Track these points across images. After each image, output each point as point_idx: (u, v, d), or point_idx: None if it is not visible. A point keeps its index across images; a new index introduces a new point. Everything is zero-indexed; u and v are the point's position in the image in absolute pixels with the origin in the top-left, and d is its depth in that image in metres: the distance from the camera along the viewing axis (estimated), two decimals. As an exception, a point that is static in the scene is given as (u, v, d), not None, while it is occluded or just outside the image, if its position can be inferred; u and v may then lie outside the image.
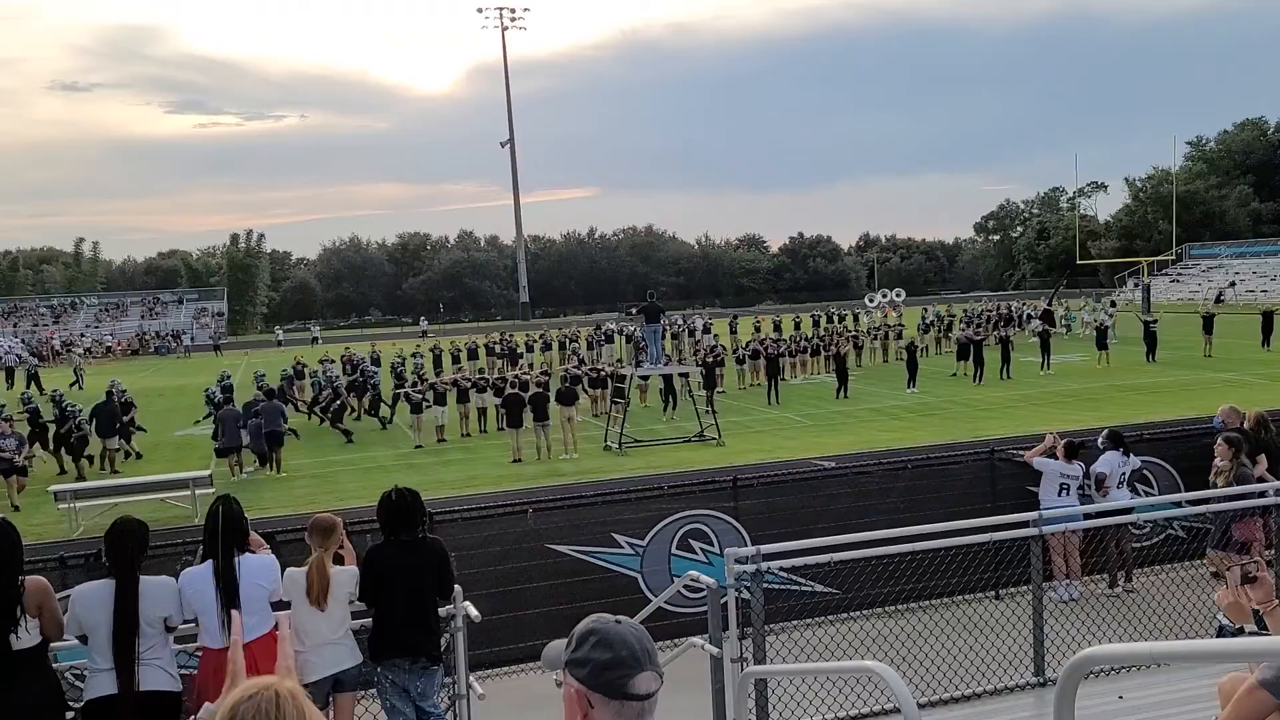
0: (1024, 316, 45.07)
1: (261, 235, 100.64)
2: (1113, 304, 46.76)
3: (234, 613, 3.53)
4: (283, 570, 5.53)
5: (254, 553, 5.45)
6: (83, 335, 72.55)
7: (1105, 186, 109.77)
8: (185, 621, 5.26)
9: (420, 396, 24.32)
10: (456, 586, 5.88)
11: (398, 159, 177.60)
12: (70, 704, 5.09)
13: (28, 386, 35.93)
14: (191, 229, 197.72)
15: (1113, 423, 20.74)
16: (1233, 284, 66.22)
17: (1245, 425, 10.28)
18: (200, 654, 5.39)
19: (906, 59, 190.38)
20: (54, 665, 5.12)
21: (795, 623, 8.87)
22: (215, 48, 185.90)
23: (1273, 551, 7.90)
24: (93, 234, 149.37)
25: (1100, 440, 10.03)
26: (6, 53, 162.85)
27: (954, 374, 31.73)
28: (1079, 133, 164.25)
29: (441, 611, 5.84)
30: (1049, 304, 48.56)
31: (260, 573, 5.36)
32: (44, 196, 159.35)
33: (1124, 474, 9.78)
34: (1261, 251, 76.45)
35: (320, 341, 65.47)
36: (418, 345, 39.32)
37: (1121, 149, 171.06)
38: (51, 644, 4.94)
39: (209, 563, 5.27)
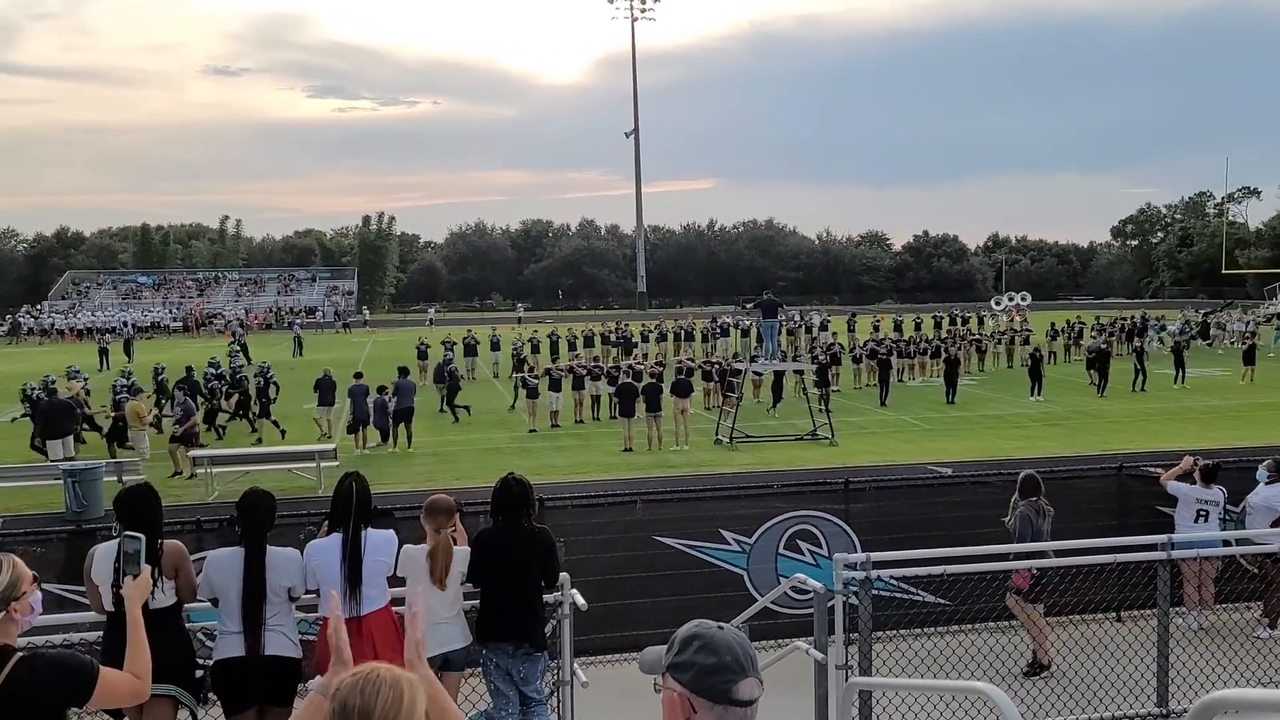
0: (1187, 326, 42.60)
1: (392, 218, 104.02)
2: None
3: (333, 592, 3.66)
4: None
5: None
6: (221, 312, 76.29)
7: (1258, 192, 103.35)
8: (309, 591, 5.49)
9: (536, 381, 24.73)
10: (564, 574, 5.97)
11: (523, 146, 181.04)
12: (200, 661, 5.38)
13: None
14: (326, 209, 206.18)
15: (1252, 443, 19.64)
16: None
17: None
18: (321, 623, 5.62)
19: (1045, 52, 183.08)
20: (187, 625, 5.42)
21: (903, 632, 8.70)
22: (354, 35, 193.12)
23: None
24: (236, 212, 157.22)
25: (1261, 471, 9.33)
26: (166, 37, 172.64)
27: (1091, 383, 30.39)
28: (1231, 133, 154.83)
29: (548, 598, 5.94)
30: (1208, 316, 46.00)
31: (383, 548, 5.54)
32: (193, 175, 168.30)
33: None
34: None
35: (434, 323, 67.35)
36: (535, 330, 40.00)
37: (1278, 152, 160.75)
38: (185, 605, 5.23)
39: (335, 536, 5.46)
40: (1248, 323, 43.35)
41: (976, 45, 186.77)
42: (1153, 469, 10.17)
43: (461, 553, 5.81)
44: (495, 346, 37.32)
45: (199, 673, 5.23)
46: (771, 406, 26.84)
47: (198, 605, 5.40)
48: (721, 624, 2.11)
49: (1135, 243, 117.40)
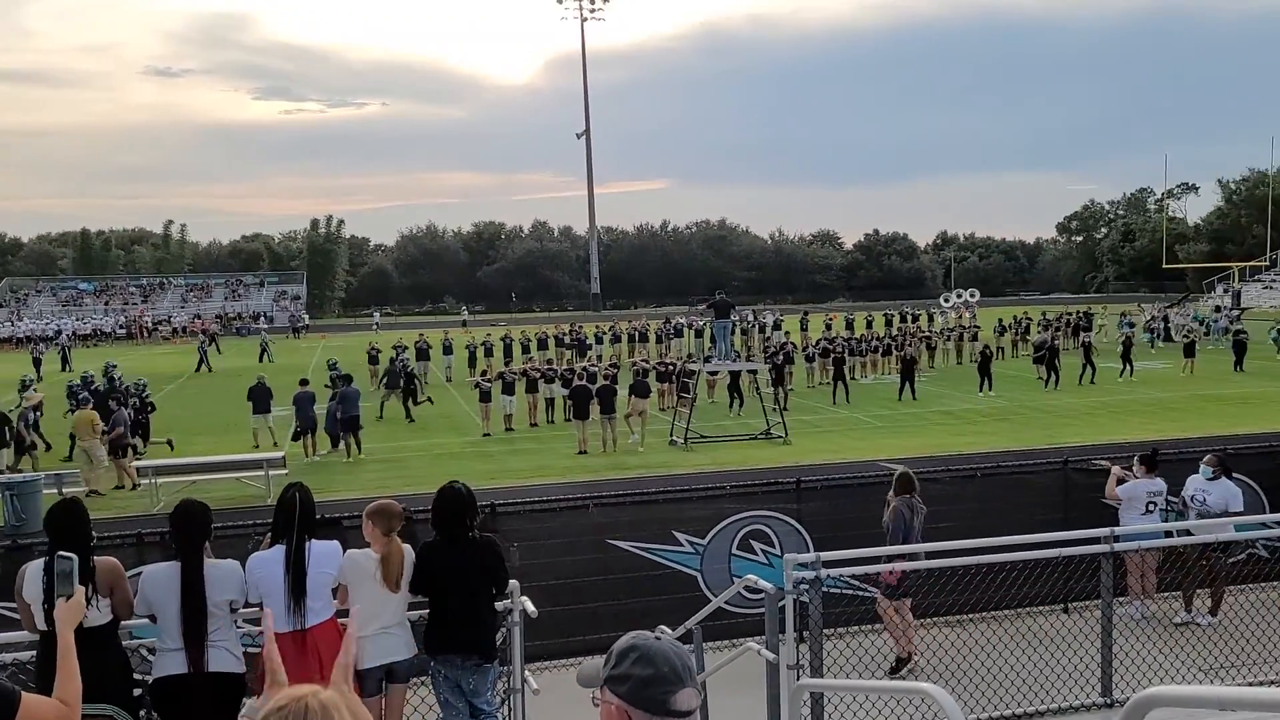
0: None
1: (341, 221, 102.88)
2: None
3: (268, 611, 3.59)
4: None
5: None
6: (169, 318, 74.94)
7: (1196, 188, 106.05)
8: (250, 605, 5.38)
9: (489, 384, 24.59)
10: (514, 581, 5.91)
11: (474, 148, 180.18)
12: (140, 678, 5.25)
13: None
14: (274, 213, 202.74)
15: (1192, 434, 20.10)
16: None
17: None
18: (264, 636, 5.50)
19: (990, 53, 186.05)
20: (126, 641, 5.28)
21: (856, 629, 8.76)
22: (300, 35, 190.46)
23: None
24: (180, 216, 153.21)
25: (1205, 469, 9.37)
26: (106, 38, 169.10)
27: (1038, 378, 30.88)
28: (1170, 132, 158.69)
29: (498, 606, 5.88)
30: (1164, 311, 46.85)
31: (327, 559, 5.45)
32: (136, 179, 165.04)
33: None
34: (1362, 259, 73.12)
35: (379, 328, 66.80)
36: (488, 333, 39.75)
37: (1215, 149, 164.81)
38: (123, 622, 5.10)
39: (278, 548, 5.37)
40: (1189, 316, 44.37)
41: (925, 46, 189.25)
42: (1098, 462, 10.36)
43: (411, 555, 5.72)
44: (448, 350, 37.05)
45: (137, 691, 5.10)
46: (738, 406, 26.91)
47: (138, 621, 5.27)
48: (659, 634, 2.09)
49: (1080, 239, 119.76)
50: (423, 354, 36.26)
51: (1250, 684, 6.56)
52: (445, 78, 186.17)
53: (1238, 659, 7.31)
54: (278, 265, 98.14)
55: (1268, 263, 73.23)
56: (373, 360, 34.46)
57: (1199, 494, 9.09)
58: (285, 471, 17.68)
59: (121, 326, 71.51)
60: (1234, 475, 9.45)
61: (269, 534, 5.58)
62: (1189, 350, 32.88)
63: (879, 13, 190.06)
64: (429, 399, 26.57)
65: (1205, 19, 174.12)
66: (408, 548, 5.68)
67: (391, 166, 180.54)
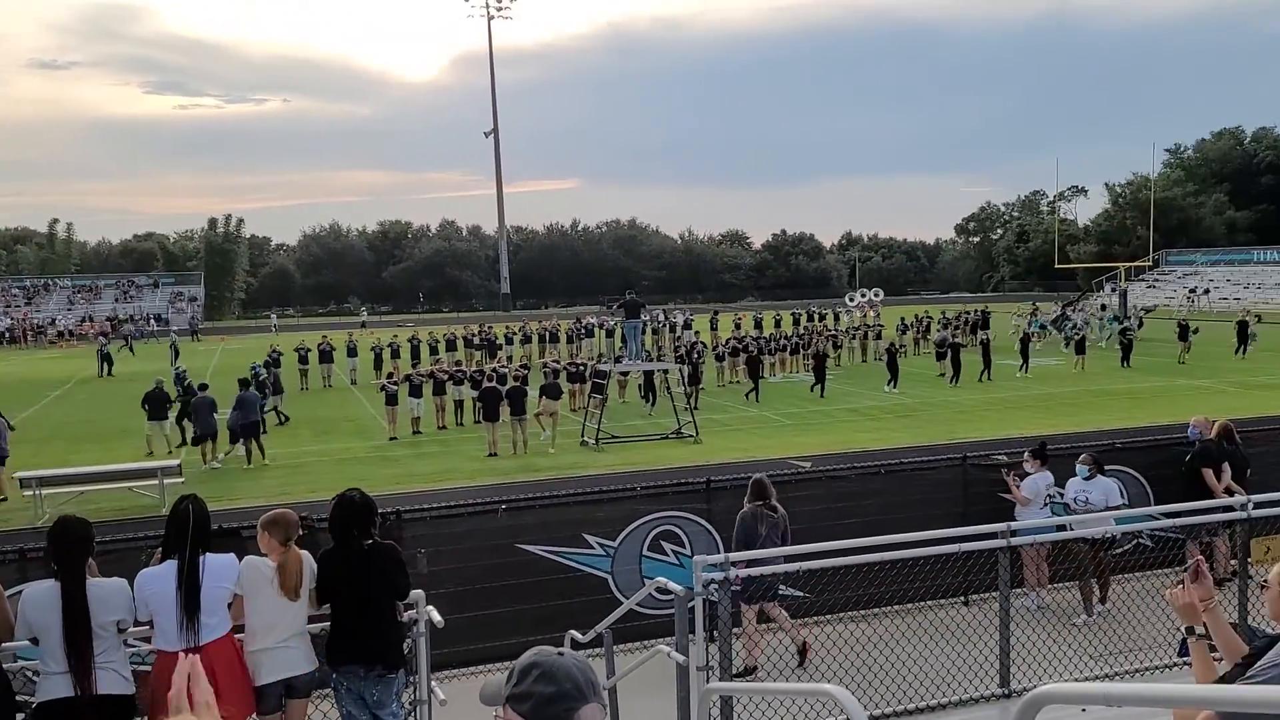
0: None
1: (240, 220, 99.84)
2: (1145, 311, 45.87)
3: (181, 655, 3.43)
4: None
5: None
6: (53, 321, 71.76)
7: (1085, 191, 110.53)
8: (140, 624, 5.17)
9: (395, 387, 24.16)
10: (419, 591, 5.79)
11: (380, 146, 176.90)
12: (25, 701, 5.00)
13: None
14: (169, 212, 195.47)
15: (1085, 428, 20.92)
16: (1207, 291, 66.79)
17: (1212, 435, 10.35)
18: (155, 656, 5.29)
19: (891, 59, 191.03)
20: (8, 664, 5.01)
21: (765, 627, 8.85)
22: (195, 29, 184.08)
23: (1235, 562, 7.94)
24: (68, 215, 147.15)
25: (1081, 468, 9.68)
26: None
27: (940, 374, 31.76)
28: (1060, 137, 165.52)
29: (404, 616, 5.76)
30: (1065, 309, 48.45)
31: (223, 573, 5.27)
32: (19, 176, 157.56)
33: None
34: (1235, 259, 77.26)
35: (276, 330, 65.26)
36: (395, 335, 39.06)
37: (1102, 154, 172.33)
38: (3, 644, 4.84)
39: (169, 563, 5.17)
40: (1080, 313, 46.15)
41: (828, 50, 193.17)
42: (997, 457, 10.68)
43: (311, 563, 5.57)
44: (352, 352, 36.30)
45: (20, 716, 4.85)
46: (650, 405, 26.98)
47: (19, 644, 5.01)
48: (562, 650, 2.06)
49: (977, 239, 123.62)
50: (326, 356, 35.50)
51: (1137, 670, 6.83)
52: (349, 74, 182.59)
53: (1126, 645, 7.61)
54: (173, 266, 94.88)
55: (1150, 263, 76.75)
56: (275, 364, 33.54)
57: (1080, 494, 9.38)
58: (181, 480, 17.09)
59: (5, 329, 68.16)
60: (1109, 470, 9.86)
61: (160, 549, 5.37)
62: (1080, 347, 34.21)
63: (783, 16, 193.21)
64: (283, 416, 25.67)
65: (1091, 28, 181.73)
66: (306, 555, 5.52)
67: (293, 164, 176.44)
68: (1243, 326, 36.89)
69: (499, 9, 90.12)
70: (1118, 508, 9.18)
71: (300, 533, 6.25)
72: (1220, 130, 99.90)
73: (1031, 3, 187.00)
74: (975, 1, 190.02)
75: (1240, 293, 68.23)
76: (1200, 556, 4.11)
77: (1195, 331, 36.53)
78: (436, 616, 5.80)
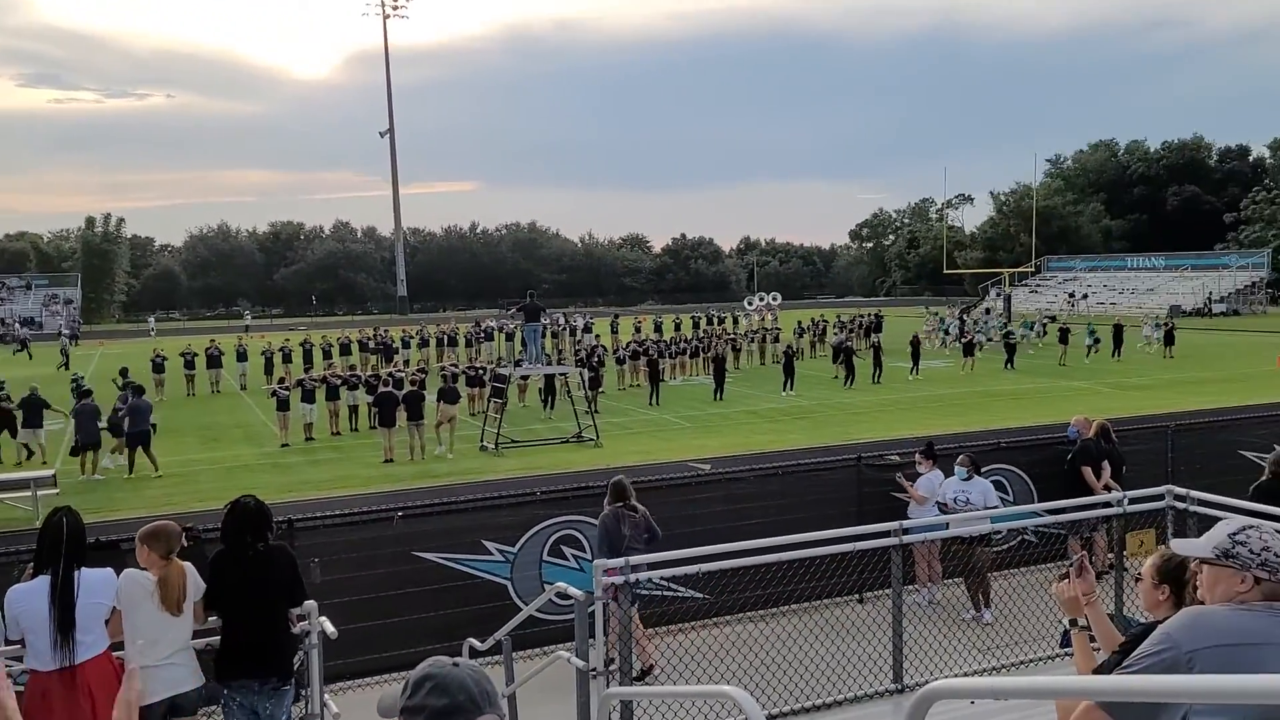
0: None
1: (121, 219, 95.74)
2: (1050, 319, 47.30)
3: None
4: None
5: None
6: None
7: (972, 199, 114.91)
8: (10, 642, 4.89)
9: (287, 392, 23.48)
10: (311, 602, 5.62)
11: (271, 144, 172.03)
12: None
13: None
14: (44, 210, 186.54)
15: (973, 428, 21.64)
16: (1085, 296, 69.92)
17: (1090, 434, 10.81)
18: (29, 675, 5.01)
19: (789, 67, 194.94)
20: None
21: (665, 629, 8.88)
22: (73, 19, 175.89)
23: (1114, 556, 8.30)
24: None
25: (959, 469, 9.87)
26: None
27: (835, 377, 32.43)
28: (949, 146, 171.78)
29: (295, 629, 5.58)
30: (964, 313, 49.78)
31: (99, 589, 5.05)
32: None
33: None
34: (1111, 265, 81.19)
35: (155, 334, 62.98)
36: (286, 339, 37.98)
37: (988, 164, 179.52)
38: None
39: (42, 578, 4.92)
40: (964, 318, 47.77)
41: (727, 57, 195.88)
42: (890, 457, 10.95)
43: (195, 576, 5.35)
44: (242, 357, 35.19)
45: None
46: (550, 409, 26.83)
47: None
48: (458, 660, 2.01)
49: (870, 245, 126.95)
50: (214, 361, 34.32)
51: (1022, 662, 7.08)
52: (239, 70, 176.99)
53: (1012, 638, 7.89)
54: (47, 267, 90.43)
55: (1033, 269, 80.00)
56: (158, 369, 32.29)
57: (959, 495, 9.64)
58: (56, 491, 16.29)
59: None
60: (989, 470, 10.25)
61: (31, 564, 5.09)
62: (969, 350, 35.40)
63: (683, 22, 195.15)
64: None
65: (977, 43, 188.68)
66: (189, 566, 5.31)
67: (179, 162, 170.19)
68: (1118, 330, 38.71)
69: (395, 8, 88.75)
70: (994, 508, 9.49)
71: (185, 544, 6.00)
72: (1096, 142, 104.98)
73: (920, 18, 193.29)
74: (868, 14, 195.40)
75: (1115, 297, 71.68)
76: (1084, 553, 4.28)
77: (1096, 339, 38.07)
78: (329, 628, 5.65)
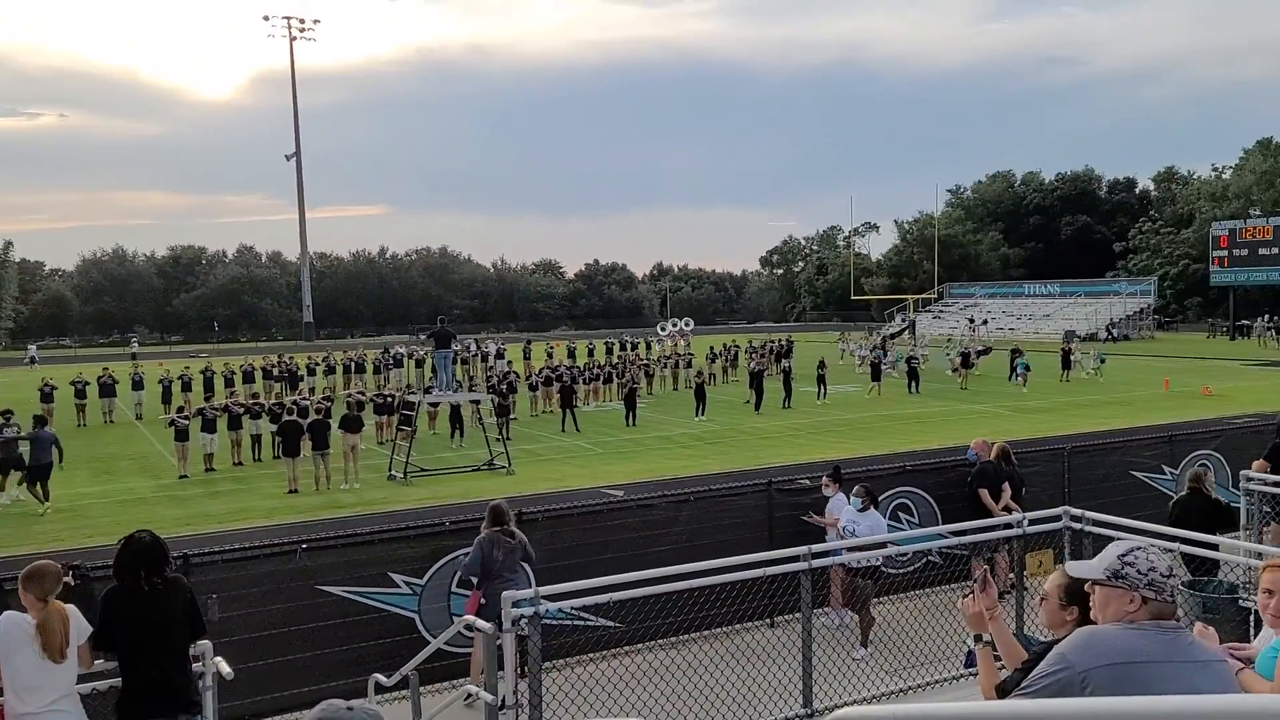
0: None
1: (9, 242, 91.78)
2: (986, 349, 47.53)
3: None
4: None
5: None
6: None
7: (877, 227, 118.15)
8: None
9: (186, 422, 22.68)
10: (206, 642, 5.40)
11: (172, 166, 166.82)
12: None
13: None
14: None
15: (879, 451, 22.07)
16: (985, 321, 72.19)
17: (990, 456, 11.12)
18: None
19: (699, 96, 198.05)
20: None
21: (576, 659, 8.79)
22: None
23: (1014, 576, 8.52)
24: None
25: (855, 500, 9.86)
26: None
27: (747, 401, 32.72)
28: (855, 176, 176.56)
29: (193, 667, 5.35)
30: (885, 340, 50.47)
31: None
32: None
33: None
34: (1009, 292, 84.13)
35: (36, 362, 60.37)
36: (186, 366, 36.74)
37: (892, 193, 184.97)
38: None
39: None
40: (871, 346, 48.84)
41: (640, 86, 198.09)
42: (800, 481, 11.07)
43: (79, 619, 5.08)
44: (138, 385, 33.91)
45: None
46: (460, 437, 26.45)
47: None
48: (353, 703, 1.94)
49: (780, 271, 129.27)
50: (108, 389, 32.99)
51: (929, 683, 7.20)
52: (138, 90, 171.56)
53: (918, 659, 8.01)
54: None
55: (936, 295, 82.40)
56: (46, 399, 30.89)
57: (850, 525, 9.63)
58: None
59: None
60: (897, 495, 10.44)
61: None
62: (875, 374, 36.17)
63: (594, 51, 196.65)
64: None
65: (881, 76, 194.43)
66: (72, 608, 5.04)
67: (72, 184, 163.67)
68: (1015, 354, 39.97)
69: (302, 30, 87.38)
70: (882, 545, 9.40)
71: (72, 584, 5.72)
72: (994, 173, 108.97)
73: (826, 52, 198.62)
74: (776, 47, 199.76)
75: (1014, 323, 74.18)
76: (986, 568, 4.39)
77: (1027, 367, 38.35)
78: (225, 668, 5.43)
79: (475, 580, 8.43)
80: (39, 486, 18.96)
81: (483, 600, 8.56)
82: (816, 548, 6.92)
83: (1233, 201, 77.20)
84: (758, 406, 31.65)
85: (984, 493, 10.67)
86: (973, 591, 3.99)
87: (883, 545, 8.99)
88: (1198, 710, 1.78)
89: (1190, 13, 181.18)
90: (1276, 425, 9.58)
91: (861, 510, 9.69)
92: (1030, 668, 3.05)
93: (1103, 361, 40.51)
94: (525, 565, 8.49)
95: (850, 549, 8.71)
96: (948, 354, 42.91)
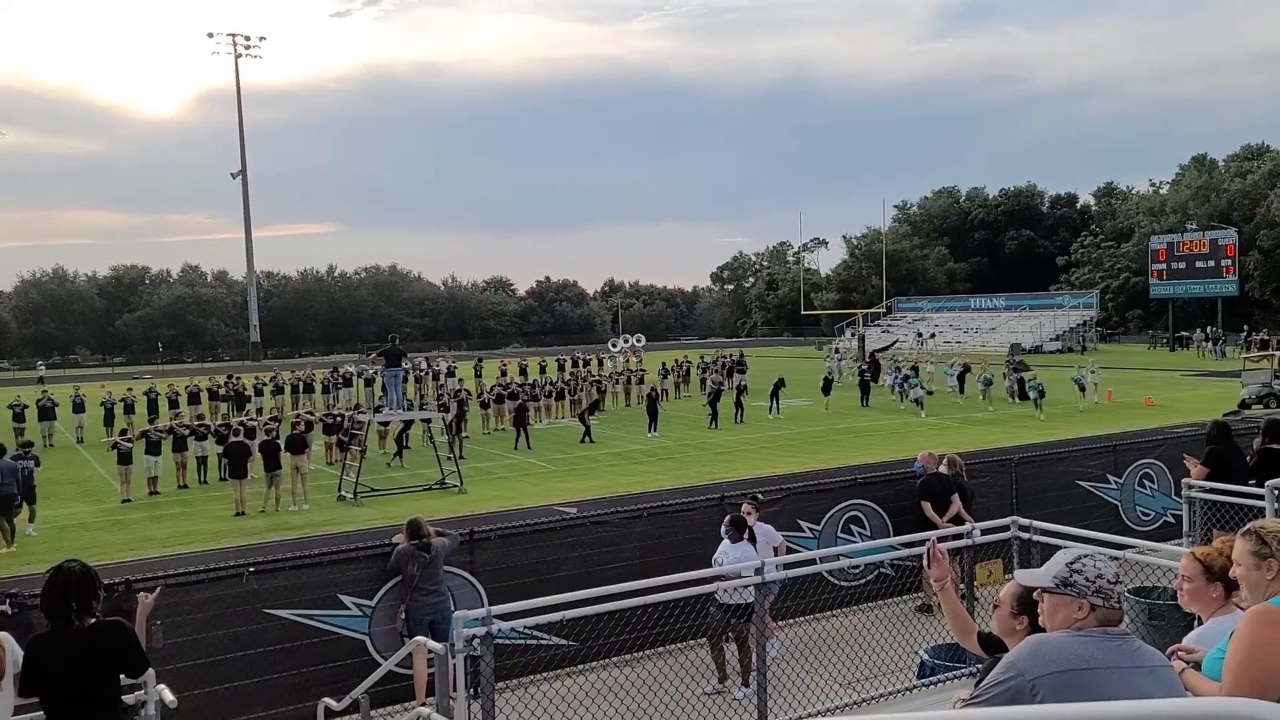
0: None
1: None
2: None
3: None
4: None
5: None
6: None
7: (826, 243, 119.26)
8: None
9: (130, 445, 22.17)
10: (149, 670, 5.23)
11: (113, 185, 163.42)
12: None
13: None
14: None
15: (831, 464, 22.22)
16: (933, 335, 73.22)
17: (941, 467, 11.24)
18: None
19: (647, 114, 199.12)
20: None
21: (529, 678, 8.71)
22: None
23: (964, 586, 8.60)
24: None
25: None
26: None
27: (713, 419, 32.65)
28: (803, 192, 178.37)
29: (128, 699, 5.18)
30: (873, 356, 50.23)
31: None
32: None
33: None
34: (956, 306, 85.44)
35: None
36: (130, 388, 35.95)
37: (840, 209, 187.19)
38: None
39: None
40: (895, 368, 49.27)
41: (588, 103, 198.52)
42: (757, 495, 11.10)
43: (14, 647, 4.89)
44: (79, 408, 33.10)
45: None
46: (398, 457, 26.15)
47: None
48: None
49: (731, 287, 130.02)
50: (47, 412, 32.19)
51: (883, 694, 7.22)
52: (80, 107, 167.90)
53: (873, 670, 8.04)
54: None
55: (885, 309, 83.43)
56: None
57: (720, 558, 9.01)
58: None
59: None
60: (840, 506, 10.46)
61: None
62: (826, 388, 36.45)
63: (544, 68, 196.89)
64: None
65: (827, 94, 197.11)
66: (7, 636, 4.86)
67: (9, 203, 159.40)
68: (964, 368, 40.51)
69: (247, 47, 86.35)
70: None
71: (9, 612, 5.55)
72: (940, 189, 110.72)
73: (773, 69, 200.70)
74: (724, 65, 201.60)
75: (961, 336, 75.31)
76: (934, 541, 4.47)
77: (1041, 392, 36.23)
78: (169, 696, 5.28)
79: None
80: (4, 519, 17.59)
81: (403, 614, 8.58)
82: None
83: (1170, 216, 79.20)
84: (712, 423, 31.65)
85: (926, 505, 10.78)
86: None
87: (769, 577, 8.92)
88: (1144, 714, 1.79)
89: (1126, 33, 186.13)
90: (1207, 433, 9.79)
91: (733, 542, 8.99)
92: (985, 674, 3.08)
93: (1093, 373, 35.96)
94: (473, 581, 8.40)
95: (711, 579, 7.75)
96: (947, 370, 41.96)
